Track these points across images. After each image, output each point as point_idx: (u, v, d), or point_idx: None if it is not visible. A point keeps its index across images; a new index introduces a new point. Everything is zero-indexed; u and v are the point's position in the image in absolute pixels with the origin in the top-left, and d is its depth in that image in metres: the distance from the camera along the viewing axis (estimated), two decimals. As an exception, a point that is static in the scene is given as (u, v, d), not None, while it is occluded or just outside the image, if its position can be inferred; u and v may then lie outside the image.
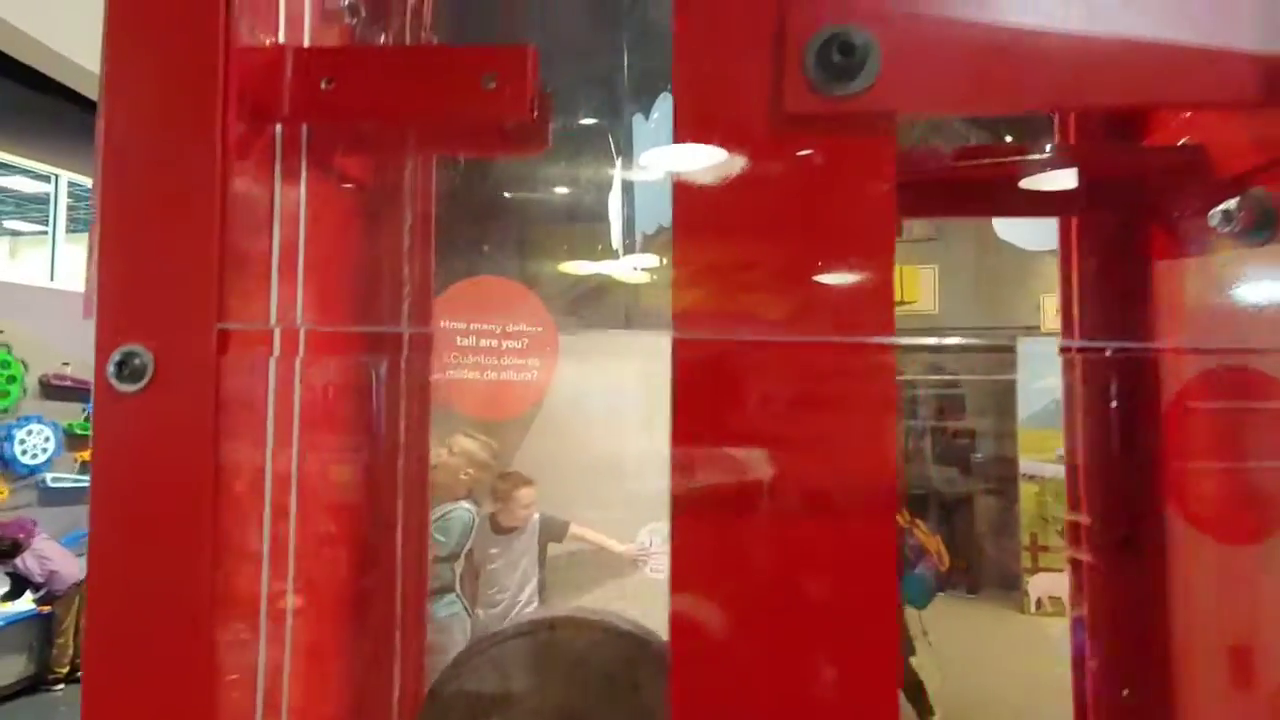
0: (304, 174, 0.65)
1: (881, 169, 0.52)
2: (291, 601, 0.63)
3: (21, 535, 5.10)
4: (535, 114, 0.63)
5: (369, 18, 0.78)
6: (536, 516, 4.06)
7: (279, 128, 0.63)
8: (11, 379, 5.54)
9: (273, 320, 0.56)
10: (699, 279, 0.52)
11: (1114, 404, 0.81)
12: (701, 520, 0.50)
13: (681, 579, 0.49)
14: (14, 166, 7.01)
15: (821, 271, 0.50)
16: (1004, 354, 8.73)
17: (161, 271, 0.47)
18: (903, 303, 8.89)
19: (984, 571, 9.23)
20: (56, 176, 7.10)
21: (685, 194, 0.52)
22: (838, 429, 0.49)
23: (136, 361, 0.45)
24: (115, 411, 0.45)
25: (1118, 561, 0.78)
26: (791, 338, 0.51)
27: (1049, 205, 0.81)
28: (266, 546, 0.56)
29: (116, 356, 0.45)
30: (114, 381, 0.45)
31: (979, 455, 10.10)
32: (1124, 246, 0.78)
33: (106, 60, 0.54)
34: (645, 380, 4.94)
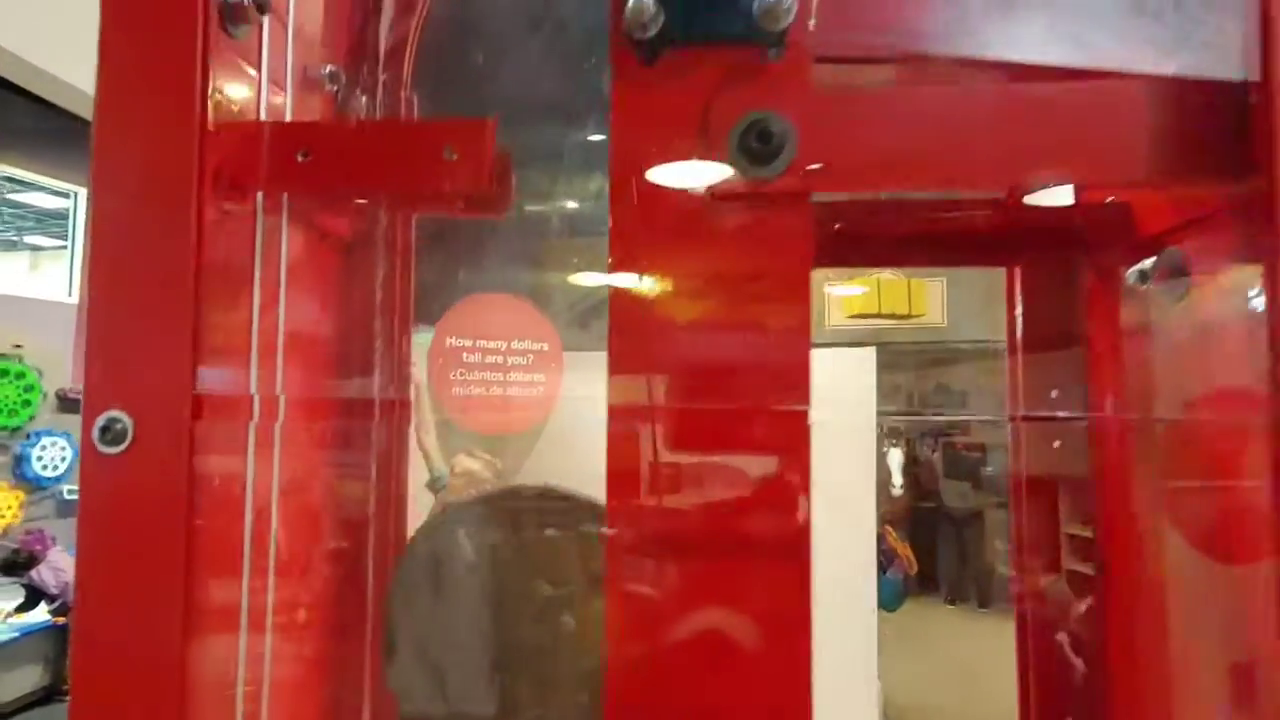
0: (285, 240, 0.70)
1: (799, 244, 0.56)
2: (270, 640, 0.68)
3: (38, 548, 5.20)
4: (494, 183, 0.68)
5: (349, 83, 0.83)
6: None
7: (259, 196, 0.69)
8: (28, 402, 5.65)
9: (252, 387, 0.61)
10: (634, 348, 0.56)
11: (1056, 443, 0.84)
12: (634, 567, 0.55)
13: (616, 622, 0.54)
14: (34, 183, 7.18)
15: (743, 338, 0.55)
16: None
17: (140, 342, 0.52)
18: (911, 316, 8.89)
19: (995, 586, 9.17)
20: (76, 193, 7.26)
21: (621, 263, 0.57)
22: (757, 485, 0.53)
23: (118, 426, 0.50)
24: (99, 472, 0.50)
25: (1056, 594, 0.82)
26: (742, 406, 0.56)
27: (991, 256, 0.85)
28: (245, 598, 0.61)
29: (100, 422, 0.50)
30: (98, 444, 0.50)
31: (990, 469, 10.05)
32: (1063, 297, 0.82)
33: (94, 140, 0.59)
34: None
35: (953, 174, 0.54)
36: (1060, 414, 0.78)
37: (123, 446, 0.50)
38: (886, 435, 9.28)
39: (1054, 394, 0.86)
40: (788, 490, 0.52)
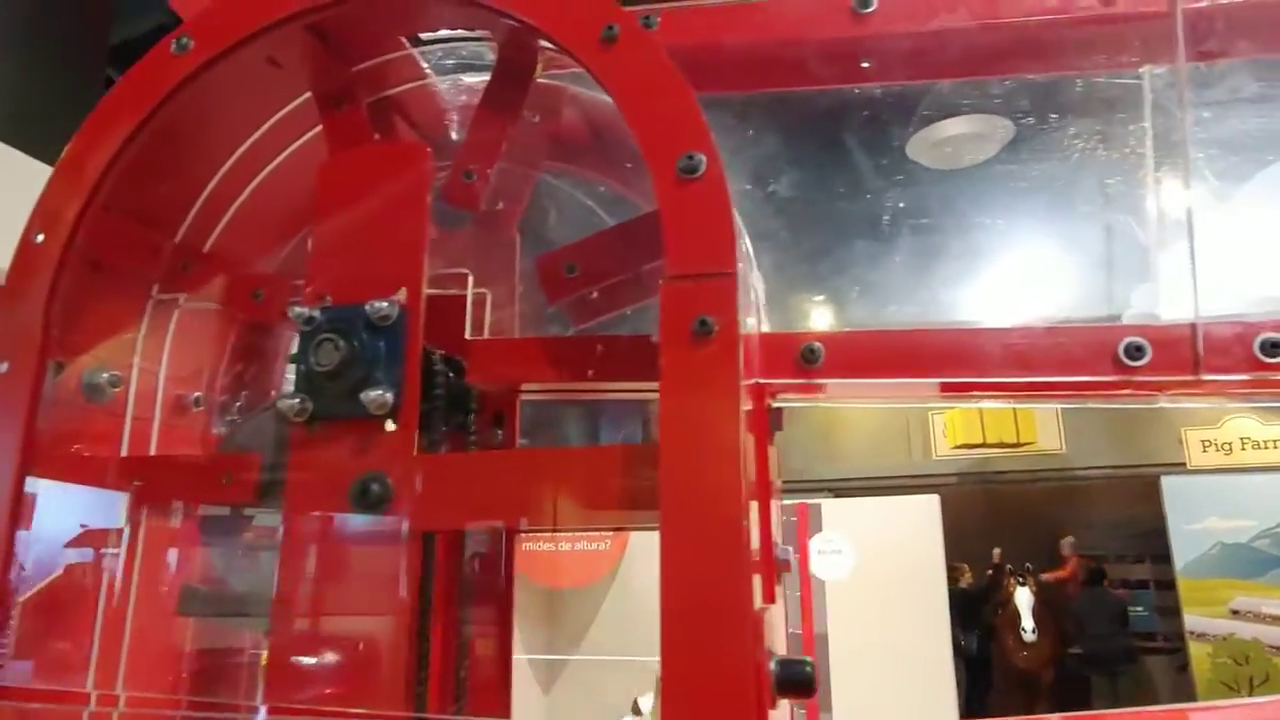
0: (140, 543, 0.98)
1: (410, 561, 0.77)
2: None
3: None
4: (261, 496, 0.93)
5: (216, 403, 1.13)
6: None
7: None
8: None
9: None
10: (297, 642, 0.77)
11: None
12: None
13: None
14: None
15: (358, 635, 0.75)
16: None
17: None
18: (1021, 444, 8.43)
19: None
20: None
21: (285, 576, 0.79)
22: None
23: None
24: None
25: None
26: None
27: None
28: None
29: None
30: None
31: (1141, 609, 9.05)
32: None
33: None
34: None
35: (503, 513, 0.74)
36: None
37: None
38: (1013, 574, 8.58)
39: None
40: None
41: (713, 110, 0.74)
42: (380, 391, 0.77)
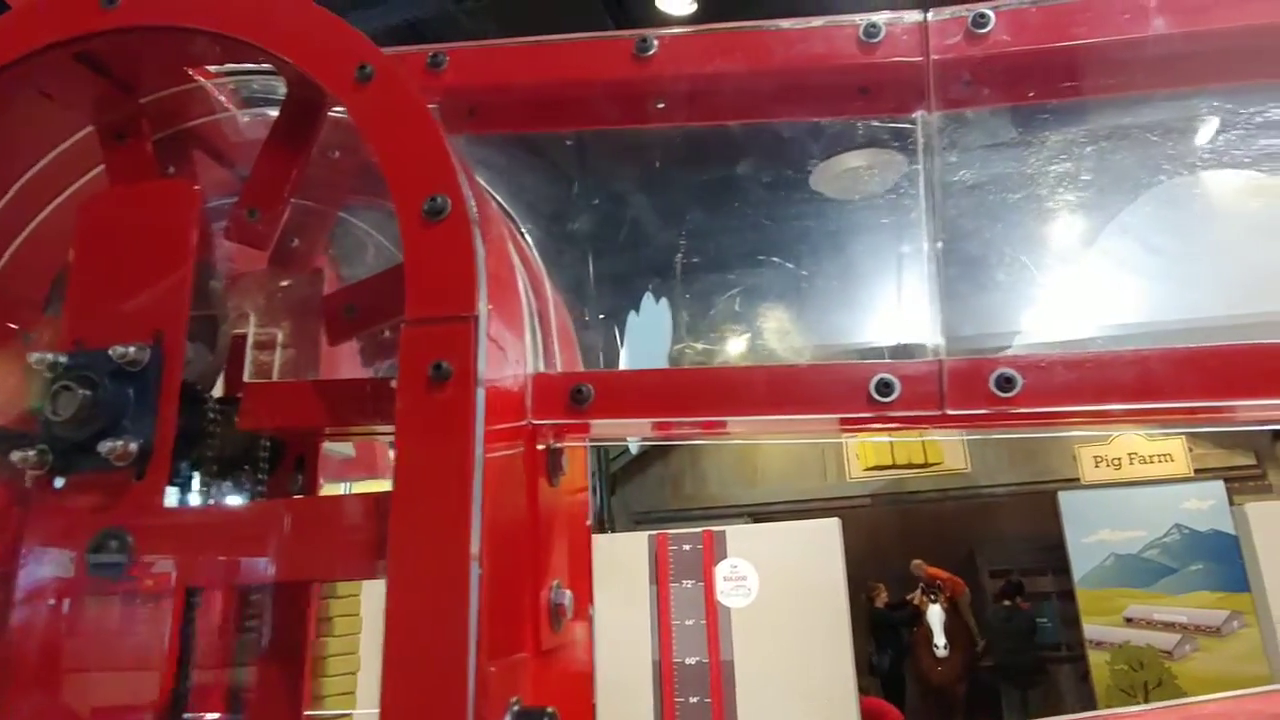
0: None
1: (158, 621, 0.73)
2: None
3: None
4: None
5: None
6: None
7: None
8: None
9: None
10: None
11: None
12: None
13: None
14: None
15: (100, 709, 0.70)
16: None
17: None
18: (929, 464, 8.71)
19: (1067, 755, 8.31)
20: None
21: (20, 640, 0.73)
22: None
23: None
24: None
25: None
26: None
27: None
28: None
29: None
30: None
31: (1045, 620, 9.38)
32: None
33: None
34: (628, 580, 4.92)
35: (247, 567, 0.71)
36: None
37: None
38: (925, 591, 8.79)
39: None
40: None
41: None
42: (120, 441, 0.73)
